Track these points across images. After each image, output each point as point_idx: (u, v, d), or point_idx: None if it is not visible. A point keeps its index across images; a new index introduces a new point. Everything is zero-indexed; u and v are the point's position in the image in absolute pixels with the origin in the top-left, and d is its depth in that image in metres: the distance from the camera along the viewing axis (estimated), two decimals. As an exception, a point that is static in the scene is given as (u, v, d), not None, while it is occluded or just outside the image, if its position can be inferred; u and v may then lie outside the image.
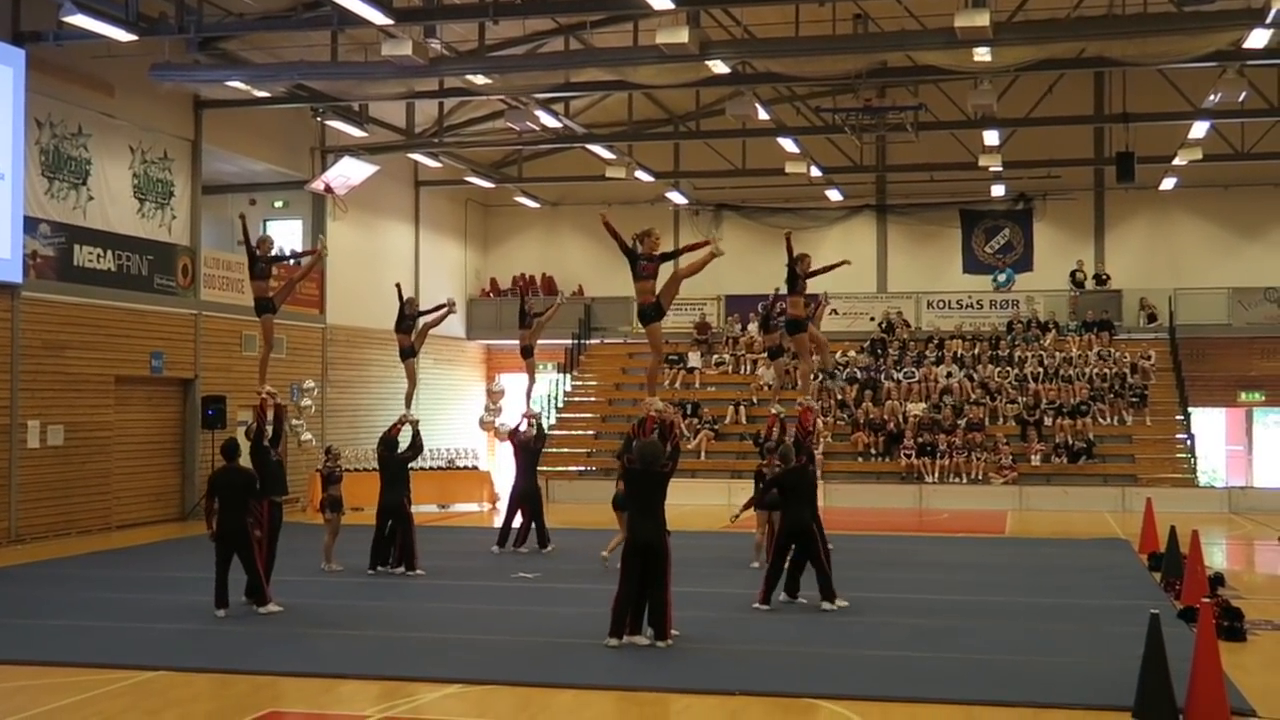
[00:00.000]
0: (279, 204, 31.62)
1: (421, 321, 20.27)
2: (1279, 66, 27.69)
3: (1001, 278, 36.24)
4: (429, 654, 12.51)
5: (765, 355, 35.10)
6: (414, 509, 18.49)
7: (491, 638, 13.37)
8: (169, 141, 26.03)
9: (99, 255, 23.87)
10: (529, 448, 21.06)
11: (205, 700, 10.90)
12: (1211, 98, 26.00)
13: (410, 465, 18.46)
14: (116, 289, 24.23)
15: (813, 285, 17.94)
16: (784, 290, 17.36)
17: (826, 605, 14.79)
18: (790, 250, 17.17)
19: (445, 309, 20.31)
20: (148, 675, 11.60)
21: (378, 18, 19.95)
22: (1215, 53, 22.28)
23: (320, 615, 14.52)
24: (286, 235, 31.83)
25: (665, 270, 14.93)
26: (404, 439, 18.87)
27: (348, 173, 29.65)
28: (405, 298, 20.79)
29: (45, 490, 22.53)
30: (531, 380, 22.30)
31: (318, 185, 29.57)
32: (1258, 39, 21.01)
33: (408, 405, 19.98)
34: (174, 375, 25.93)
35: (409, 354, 20.12)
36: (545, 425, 24.75)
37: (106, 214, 24.29)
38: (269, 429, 15.77)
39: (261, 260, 16.94)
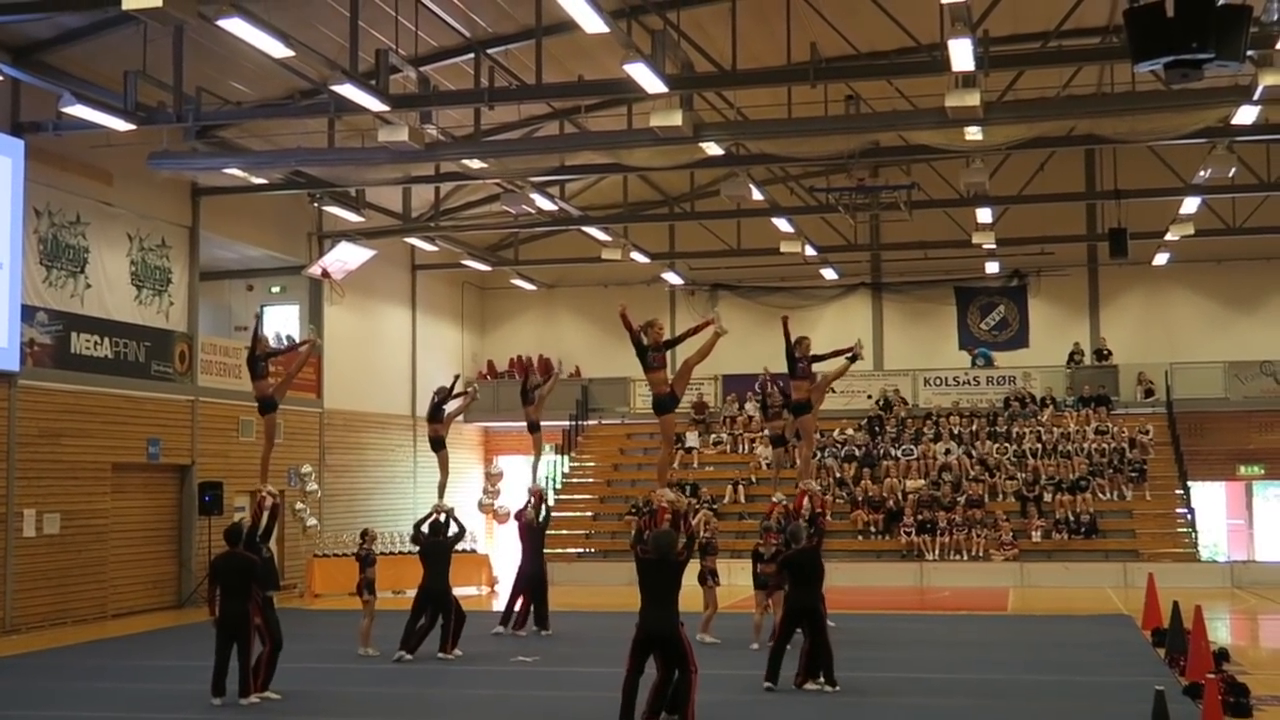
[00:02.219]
0: (276, 289, 31.71)
1: (447, 410, 20.25)
2: (1267, 142, 27.92)
3: (980, 362, 36.37)
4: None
5: (764, 434, 35.12)
6: (408, 593, 18.43)
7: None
8: (166, 229, 26.16)
9: (96, 343, 23.90)
10: (534, 527, 20.94)
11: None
12: (1202, 173, 26.22)
13: (454, 550, 18.68)
14: (113, 376, 24.23)
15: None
16: (774, 371, 17.37)
17: (828, 688, 14.65)
18: (788, 335, 17.23)
19: (469, 395, 20.40)
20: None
21: (374, 104, 20.13)
22: (1204, 129, 22.48)
23: (319, 702, 14.37)
24: (284, 320, 31.95)
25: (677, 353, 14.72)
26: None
27: (344, 257, 29.77)
28: (438, 388, 21.10)
29: (41, 579, 22.38)
30: (538, 455, 22.23)
31: (315, 270, 29.69)
32: (1245, 115, 21.21)
33: (440, 495, 19.91)
34: (171, 461, 25.86)
35: (439, 445, 20.54)
36: (549, 503, 24.58)
37: (104, 301, 24.35)
38: (262, 525, 15.61)
39: (261, 359, 16.94)
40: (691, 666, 12.20)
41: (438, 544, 18.32)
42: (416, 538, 18.66)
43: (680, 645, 12.22)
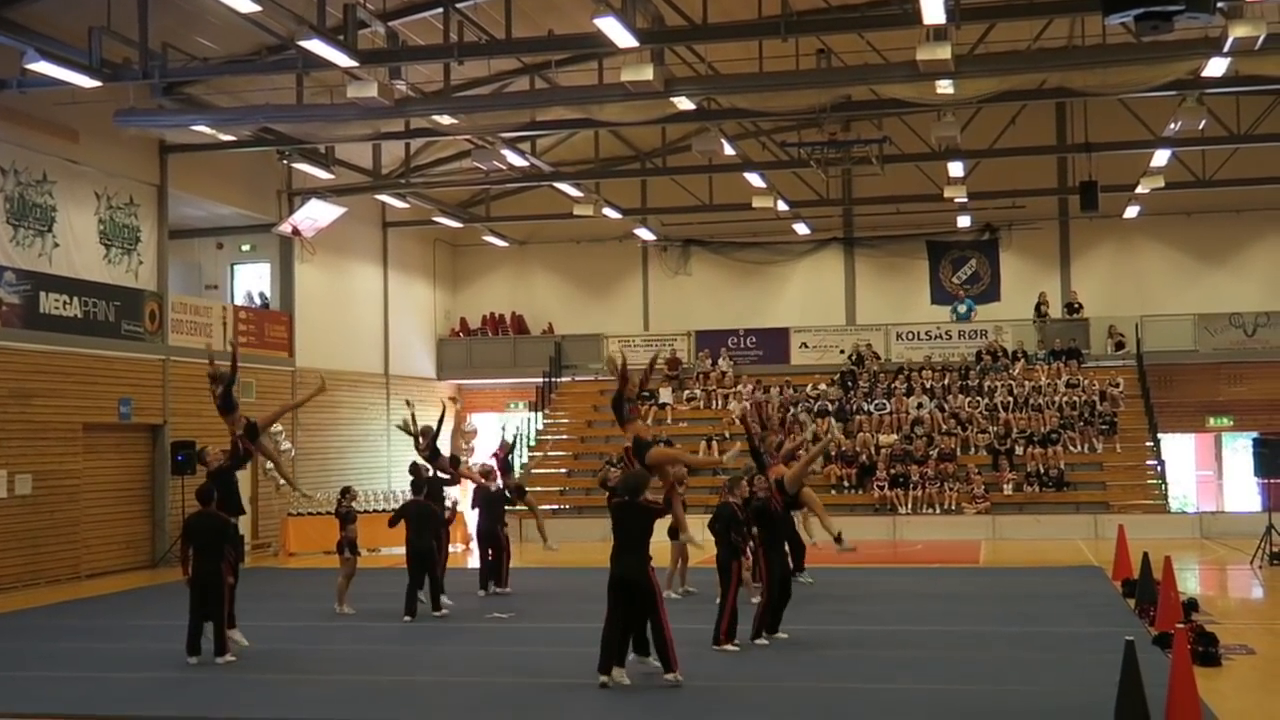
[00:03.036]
0: (246, 247, 31.54)
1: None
2: (1237, 94, 27.99)
3: (962, 309, 36.42)
4: (407, 697, 12.41)
5: (736, 390, 35.20)
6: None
7: (468, 679, 13.29)
8: (134, 187, 25.95)
9: (65, 302, 23.74)
10: (489, 494, 20.63)
11: (178, 749, 10.78)
12: (1172, 126, 26.26)
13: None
14: (84, 335, 24.09)
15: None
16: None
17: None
18: (750, 432, 17.15)
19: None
20: (119, 725, 11.47)
21: (343, 60, 19.97)
22: (1174, 82, 22.50)
23: (294, 661, 14.39)
24: (255, 279, 31.81)
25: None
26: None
27: (315, 215, 29.61)
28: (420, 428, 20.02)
29: (13, 540, 22.31)
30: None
31: (285, 228, 29.52)
32: (1216, 67, 21.24)
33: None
34: (142, 421, 25.76)
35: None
36: (513, 463, 24.29)
37: (72, 261, 24.17)
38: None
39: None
40: (660, 610, 12.27)
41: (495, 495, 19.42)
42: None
43: (648, 594, 12.27)
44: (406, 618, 17.28)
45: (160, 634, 15.96)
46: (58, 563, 23.33)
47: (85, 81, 20.54)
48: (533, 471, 34.28)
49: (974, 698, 11.90)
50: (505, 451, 22.46)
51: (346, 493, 19.08)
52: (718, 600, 14.61)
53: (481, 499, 20.58)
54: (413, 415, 20.00)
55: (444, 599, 17.91)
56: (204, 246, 31.36)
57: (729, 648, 14.14)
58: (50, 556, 23.17)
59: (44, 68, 19.92)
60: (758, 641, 14.59)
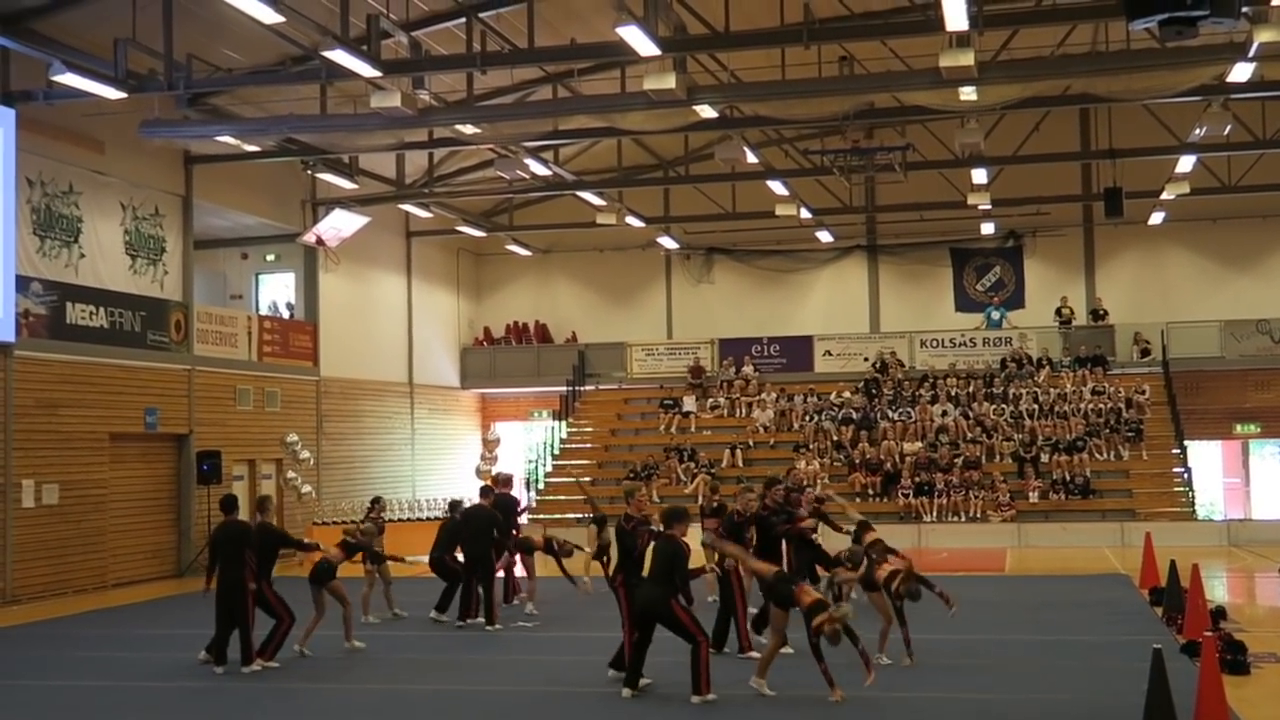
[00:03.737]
0: (271, 257, 31.66)
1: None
2: (1263, 99, 27.86)
3: (995, 315, 36.28)
4: (427, 706, 12.42)
5: (760, 399, 35.16)
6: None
7: (494, 688, 13.29)
8: (160, 197, 26.07)
9: (91, 313, 23.86)
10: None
11: (204, 758, 10.81)
12: (1197, 131, 26.14)
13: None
14: (109, 346, 24.21)
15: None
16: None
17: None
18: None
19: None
20: (145, 734, 11.51)
21: (366, 70, 20.02)
22: (1199, 87, 22.39)
23: (317, 670, 14.41)
24: (279, 288, 31.94)
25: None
26: None
27: (339, 225, 29.70)
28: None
29: (40, 549, 22.41)
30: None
31: (309, 238, 29.61)
32: (1240, 73, 21.13)
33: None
34: (168, 431, 25.86)
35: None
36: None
37: (98, 271, 24.29)
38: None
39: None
40: (697, 635, 12.23)
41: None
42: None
43: (679, 620, 12.25)
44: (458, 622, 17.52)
45: (186, 643, 15.99)
46: (84, 572, 23.43)
47: (111, 93, 20.65)
48: (555, 480, 34.42)
49: (1002, 705, 11.84)
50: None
51: (376, 503, 19.08)
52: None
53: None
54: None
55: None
56: (229, 256, 31.50)
57: (753, 653, 14.11)
58: (77, 566, 23.26)
59: (70, 79, 20.03)
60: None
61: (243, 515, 14.97)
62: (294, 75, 23.28)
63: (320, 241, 29.73)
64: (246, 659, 14.25)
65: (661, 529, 12.85)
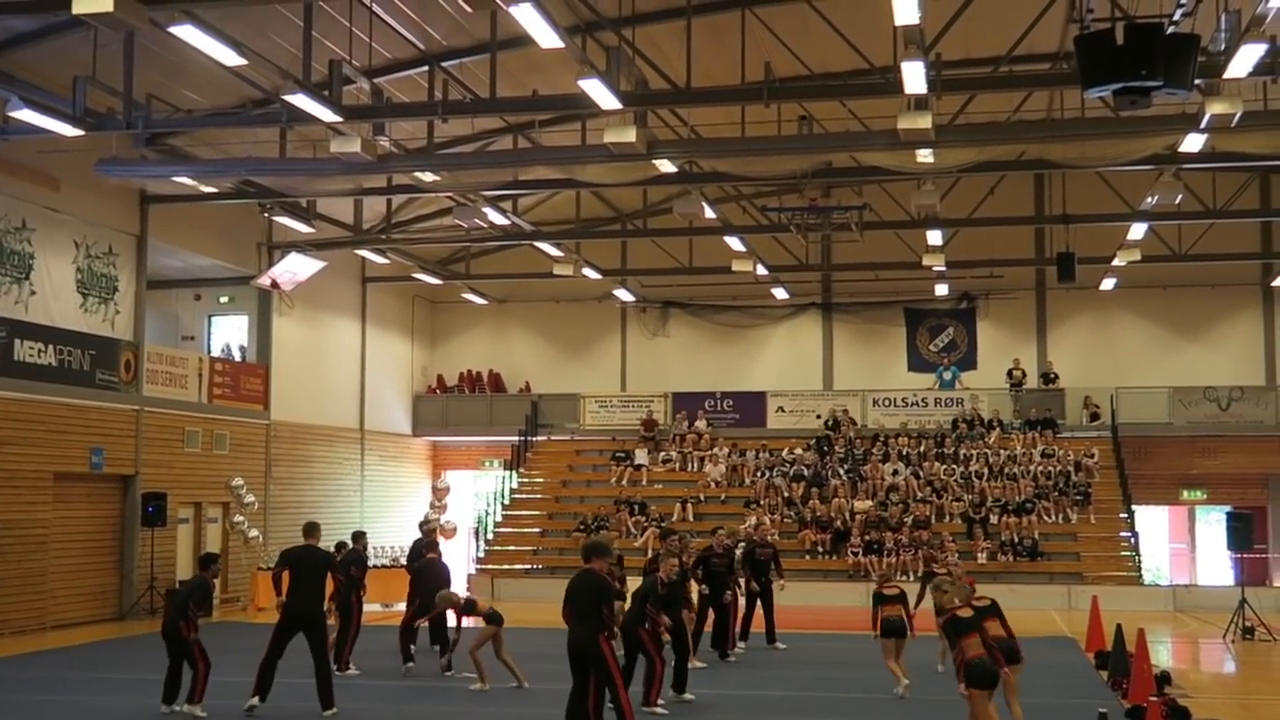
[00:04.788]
0: (224, 299, 31.46)
1: None
2: (1214, 169, 28.29)
3: (947, 375, 36.50)
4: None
5: (713, 453, 35.12)
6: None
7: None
8: (114, 236, 25.90)
9: (40, 350, 23.61)
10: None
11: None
12: (1149, 200, 26.50)
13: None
14: (57, 384, 23.94)
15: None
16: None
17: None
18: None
19: None
20: (80, 780, 11.29)
21: (327, 115, 20.01)
22: (1152, 156, 22.72)
23: (274, 717, 14.19)
24: (232, 331, 31.73)
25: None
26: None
27: (294, 268, 29.57)
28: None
29: (-21, 589, 22.05)
30: None
31: (264, 281, 29.48)
32: (1192, 143, 21.45)
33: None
34: (114, 472, 25.57)
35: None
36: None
37: (49, 308, 24.06)
38: None
39: None
40: (615, 679, 12.11)
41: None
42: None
43: (602, 658, 12.10)
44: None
45: (126, 688, 15.75)
46: (23, 613, 23.05)
47: (68, 130, 20.52)
48: (504, 531, 34.25)
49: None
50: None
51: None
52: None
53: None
54: None
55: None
56: (182, 297, 31.28)
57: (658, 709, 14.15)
58: (15, 606, 22.89)
59: (27, 115, 19.89)
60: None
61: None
62: (254, 118, 23.23)
63: (275, 285, 29.59)
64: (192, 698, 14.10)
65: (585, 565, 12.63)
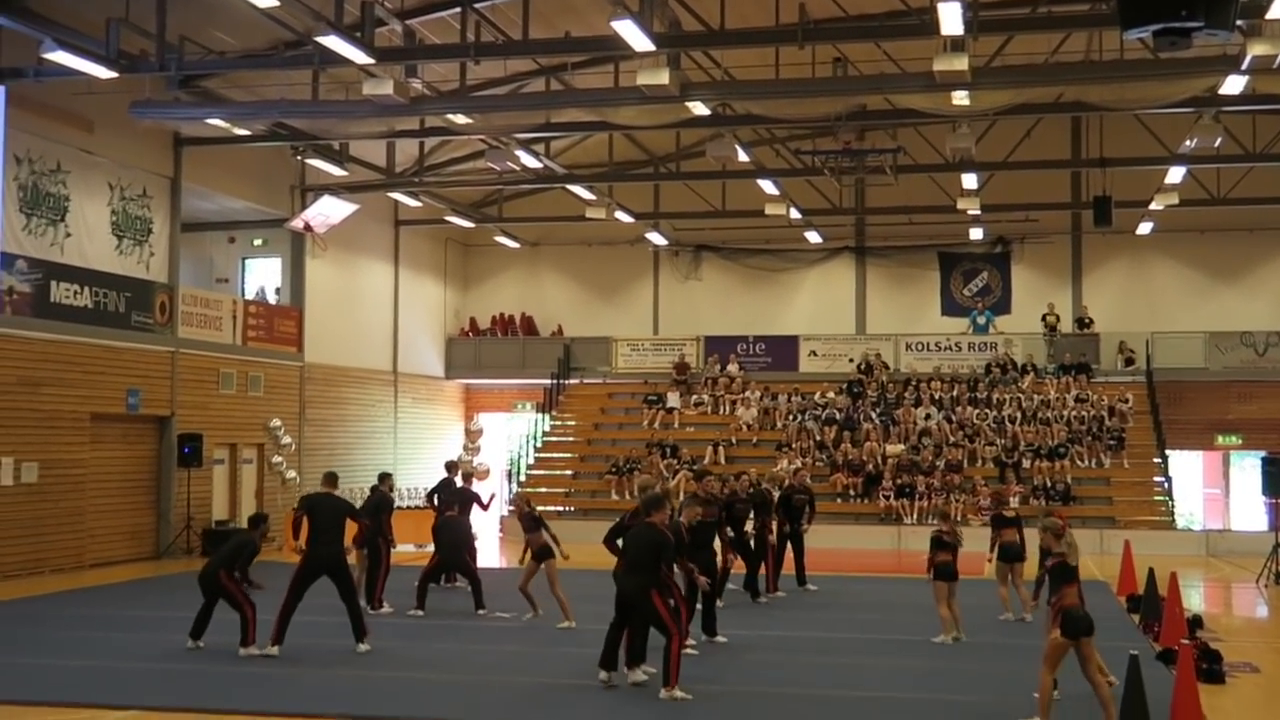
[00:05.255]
0: (258, 242, 31.57)
1: None
2: (1254, 112, 27.93)
3: (981, 320, 36.32)
4: (407, 693, 12.40)
5: (744, 396, 35.17)
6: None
7: (470, 677, 13.29)
8: (148, 179, 25.99)
9: (76, 292, 23.77)
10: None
11: (178, 740, 10.77)
12: (1188, 143, 26.20)
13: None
14: (93, 326, 24.12)
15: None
16: None
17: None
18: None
19: None
20: (117, 714, 11.49)
21: (359, 57, 19.98)
22: (1191, 99, 22.47)
23: (300, 654, 14.35)
24: (266, 273, 31.85)
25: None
26: None
27: (327, 211, 29.62)
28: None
29: (18, 528, 22.33)
30: None
31: (297, 224, 29.54)
32: (1233, 85, 21.19)
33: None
34: (150, 413, 25.78)
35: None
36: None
37: (84, 251, 24.20)
38: None
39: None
40: (672, 630, 12.17)
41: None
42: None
43: (655, 611, 12.17)
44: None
45: (164, 625, 15.96)
46: (62, 552, 23.36)
47: (102, 72, 20.57)
48: (537, 473, 34.44)
49: (977, 708, 11.86)
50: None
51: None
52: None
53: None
54: None
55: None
56: (216, 240, 31.40)
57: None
58: (54, 545, 23.19)
59: (61, 57, 19.94)
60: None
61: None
62: (287, 60, 23.20)
63: (308, 227, 29.66)
64: (247, 640, 14.32)
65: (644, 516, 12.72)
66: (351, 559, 15.42)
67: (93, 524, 24.19)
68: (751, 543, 19.27)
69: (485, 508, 19.83)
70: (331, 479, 15.19)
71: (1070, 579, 10.89)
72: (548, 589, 16.59)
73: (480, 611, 17.69)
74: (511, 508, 19.11)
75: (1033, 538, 13.77)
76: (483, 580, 18.23)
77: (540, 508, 32.28)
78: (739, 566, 19.16)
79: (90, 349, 24.11)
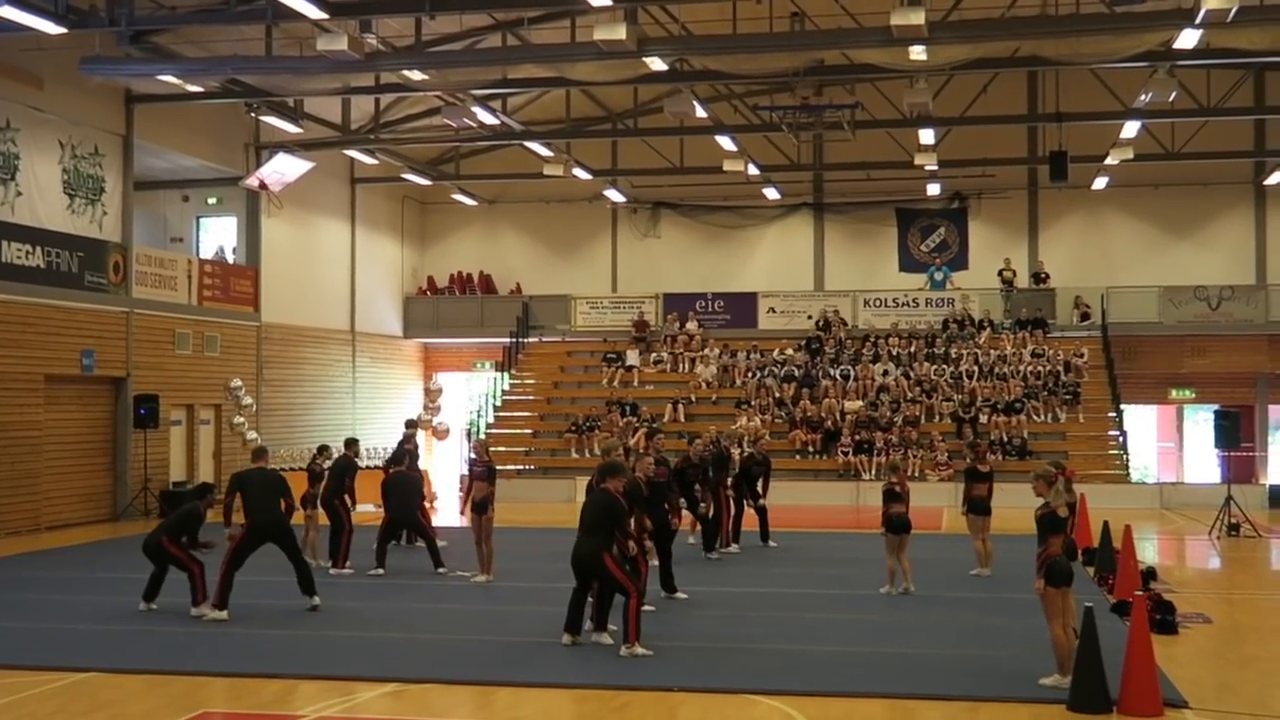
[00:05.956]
0: (213, 200, 31.26)
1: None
2: (1208, 67, 28.06)
3: (939, 276, 36.45)
4: (366, 653, 12.40)
5: (704, 354, 35.22)
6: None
7: (430, 636, 13.30)
8: (100, 136, 25.66)
9: (28, 252, 23.49)
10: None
11: (137, 701, 10.73)
12: (1143, 97, 26.29)
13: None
14: (46, 286, 23.85)
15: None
16: None
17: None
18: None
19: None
20: (78, 677, 11.43)
21: (313, 12, 19.76)
22: (1146, 53, 22.53)
23: (256, 615, 14.33)
24: (221, 232, 31.57)
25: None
26: None
27: (282, 169, 29.35)
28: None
29: (-27, 491, 22.15)
30: None
31: (252, 182, 29.27)
32: (1188, 39, 21.26)
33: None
34: (105, 374, 25.57)
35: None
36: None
37: (36, 210, 23.90)
38: None
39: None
40: (630, 589, 12.24)
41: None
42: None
43: (609, 574, 12.29)
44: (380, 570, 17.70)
45: (120, 587, 15.88)
46: (17, 514, 23.18)
47: (51, 28, 20.21)
48: (497, 432, 34.40)
49: (937, 661, 11.97)
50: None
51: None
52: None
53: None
54: None
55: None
56: (170, 199, 31.08)
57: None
58: (10, 508, 23.01)
59: (9, 12, 19.55)
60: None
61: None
62: (239, 15, 22.89)
63: (263, 185, 29.40)
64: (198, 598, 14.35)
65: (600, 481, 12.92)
66: (297, 519, 15.43)
67: (48, 486, 24.01)
68: (710, 503, 19.33)
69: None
70: (261, 454, 15.33)
71: (1058, 529, 10.99)
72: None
73: (440, 570, 17.69)
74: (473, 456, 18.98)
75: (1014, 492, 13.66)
76: (444, 538, 18.23)
77: (501, 467, 32.42)
78: (689, 523, 19.25)
79: (43, 309, 23.85)
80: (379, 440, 31.21)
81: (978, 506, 17.81)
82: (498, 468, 18.23)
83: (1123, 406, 32.71)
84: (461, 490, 21.81)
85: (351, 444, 19.14)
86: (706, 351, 35.63)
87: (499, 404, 36.03)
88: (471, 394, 37.80)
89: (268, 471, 14.91)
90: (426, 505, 19.88)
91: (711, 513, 19.48)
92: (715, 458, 19.73)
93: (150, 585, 14.69)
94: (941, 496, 29.19)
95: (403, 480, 18.68)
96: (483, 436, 32.27)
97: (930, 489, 29.64)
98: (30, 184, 23.79)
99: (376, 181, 35.96)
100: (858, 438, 31.09)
